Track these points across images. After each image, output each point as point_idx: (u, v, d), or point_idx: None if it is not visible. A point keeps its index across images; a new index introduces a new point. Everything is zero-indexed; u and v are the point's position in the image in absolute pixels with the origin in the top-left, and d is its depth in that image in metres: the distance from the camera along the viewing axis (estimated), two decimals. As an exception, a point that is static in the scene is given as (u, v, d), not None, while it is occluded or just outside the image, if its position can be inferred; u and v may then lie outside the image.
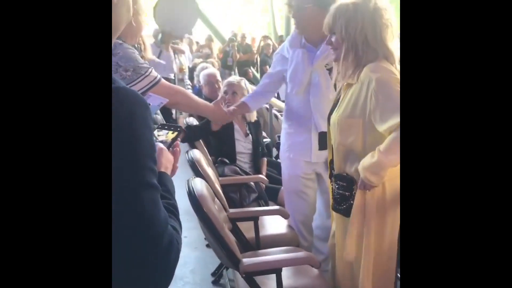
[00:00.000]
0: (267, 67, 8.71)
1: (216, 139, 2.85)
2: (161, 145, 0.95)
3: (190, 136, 2.66)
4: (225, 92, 2.93)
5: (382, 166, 1.47)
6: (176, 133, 1.04)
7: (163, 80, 1.81)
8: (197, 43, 9.71)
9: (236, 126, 2.86)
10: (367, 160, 1.52)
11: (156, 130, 1.03)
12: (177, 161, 0.97)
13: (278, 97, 4.58)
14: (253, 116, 2.93)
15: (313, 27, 2.09)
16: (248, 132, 2.91)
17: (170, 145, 1.00)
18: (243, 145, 2.87)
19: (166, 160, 0.91)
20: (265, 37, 9.61)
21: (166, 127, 1.05)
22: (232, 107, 2.28)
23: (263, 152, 3.00)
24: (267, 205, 2.65)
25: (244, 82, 3.02)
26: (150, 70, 1.74)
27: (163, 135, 1.03)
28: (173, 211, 0.80)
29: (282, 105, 2.96)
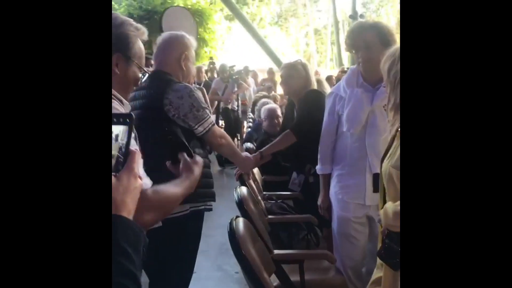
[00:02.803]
0: None
1: None
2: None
3: None
4: None
5: None
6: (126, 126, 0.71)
7: (215, 126, 2.01)
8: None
9: None
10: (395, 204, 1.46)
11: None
12: (135, 174, 0.72)
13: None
14: None
15: (376, 66, 2.07)
16: None
17: (123, 157, 0.70)
18: None
19: (121, 194, 0.69)
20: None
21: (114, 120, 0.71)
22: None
23: None
24: (318, 242, 2.58)
25: None
26: (210, 115, 1.98)
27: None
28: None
29: None
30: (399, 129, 1.60)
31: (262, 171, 3.36)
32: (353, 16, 11.56)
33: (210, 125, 1.97)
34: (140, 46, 1.37)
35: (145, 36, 1.38)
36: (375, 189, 2.05)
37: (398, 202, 1.50)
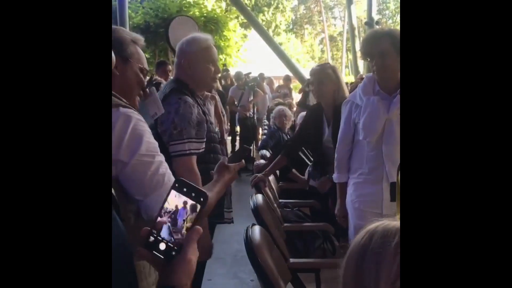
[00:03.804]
0: None
1: None
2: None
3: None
4: None
5: None
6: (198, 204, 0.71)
7: (192, 157, 1.76)
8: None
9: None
10: None
11: (174, 193, 0.71)
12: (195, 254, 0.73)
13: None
14: None
15: (391, 74, 2.06)
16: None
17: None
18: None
19: (187, 277, 0.71)
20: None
21: (185, 191, 0.71)
22: None
23: None
24: (334, 251, 2.56)
25: None
26: (190, 140, 1.76)
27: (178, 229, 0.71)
28: None
29: None
30: None
31: (278, 179, 3.36)
32: (369, 23, 11.50)
33: (180, 152, 1.73)
34: (137, 49, 1.32)
35: (142, 42, 1.35)
36: (392, 198, 2.03)
37: None
